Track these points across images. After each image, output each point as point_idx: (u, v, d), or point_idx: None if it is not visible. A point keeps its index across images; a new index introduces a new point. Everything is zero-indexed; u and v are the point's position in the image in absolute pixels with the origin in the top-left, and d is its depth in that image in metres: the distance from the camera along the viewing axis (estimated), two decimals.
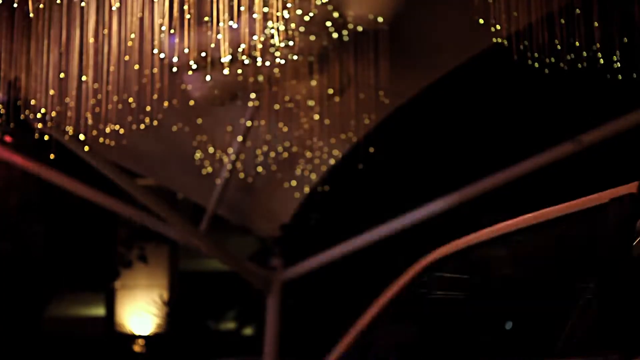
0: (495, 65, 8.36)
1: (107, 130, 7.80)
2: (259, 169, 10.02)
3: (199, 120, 9.36)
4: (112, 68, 7.06)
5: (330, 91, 8.66)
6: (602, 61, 7.06)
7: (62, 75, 7.19)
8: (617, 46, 6.94)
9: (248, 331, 13.56)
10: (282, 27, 6.96)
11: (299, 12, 7.21)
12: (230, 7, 6.60)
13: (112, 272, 13.18)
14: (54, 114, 7.50)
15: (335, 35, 7.93)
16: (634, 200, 1.80)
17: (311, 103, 8.83)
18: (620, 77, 7.26)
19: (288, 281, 10.06)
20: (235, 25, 6.79)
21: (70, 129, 7.85)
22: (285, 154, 9.72)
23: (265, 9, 6.74)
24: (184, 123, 9.37)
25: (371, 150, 9.68)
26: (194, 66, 7.08)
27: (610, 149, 8.88)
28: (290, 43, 7.25)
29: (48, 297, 12.05)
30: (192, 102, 8.87)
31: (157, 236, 10.97)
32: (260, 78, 8.26)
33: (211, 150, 9.65)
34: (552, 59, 7.14)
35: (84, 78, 7.15)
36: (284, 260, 10.10)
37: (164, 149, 9.72)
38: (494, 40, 7.16)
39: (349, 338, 2.06)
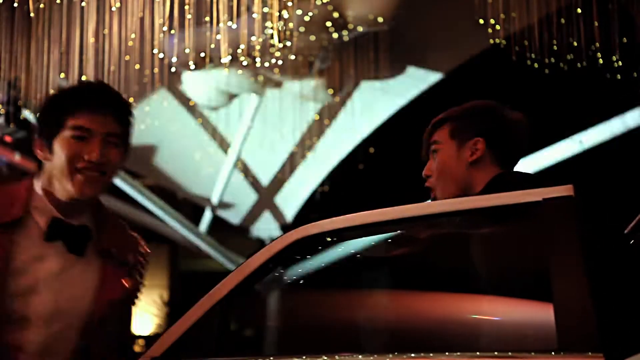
0: (495, 65, 8.36)
1: None
2: (259, 169, 10.03)
3: (199, 120, 9.37)
4: (112, 68, 7.08)
5: (331, 91, 8.67)
6: (601, 61, 7.07)
7: (62, 75, 7.21)
8: (617, 46, 6.95)
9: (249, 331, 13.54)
10: (281, 27, 6.97)
11: (298, 12, 7.22)
12: (230, 8, 6.61)
13: None
14: None
15: (335, 35, 7.94)
16: (571, 203, 1.79)
17: (311, 103, 8.85)
18: (619, 77, 7.28)
19: None
20: (234, 26, 6.80)
21: None
22: (285, 154, 9.73)
23: (265, 9, 6.75)
24: (183, 123, 9.38)
25: (371, 150, 9.69)
26: (193, 66, 7.10)
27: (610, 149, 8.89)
28: (289, 43, 7.25)
29: None
30: (192, 102, 8.88)
31: (157, 236, 10.98)
32: (260, 78, 8.26)
33: (211, 150, 9.66)
34: (552, 59, 7.15)
35: (84, 78, 7.16)
36: None
37: (164, 149, 9.73)
38: (493, 40, 7.18)
39: (197, 312, 1.97)
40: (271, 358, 1.98)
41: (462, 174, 2.48)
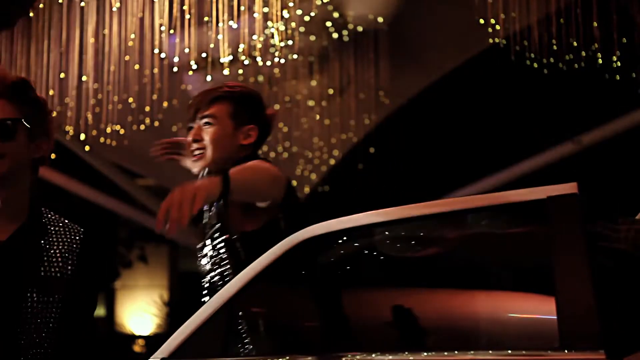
0: (495, 65, 8.36)
1: (108, 130, 7.81)
2: None
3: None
4: (112, 68, 7.07)
5: (330, 91, 8.67)
6: (600, 61, 7.07)
7: (62, 75, 7.20)
8: (617, 46, 6.95)
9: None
10: (282, 27, 6.97)
11: (299, 12, 7.22)
12: (231, 7, 6.62)
13: (112, 272, 13.18)
14: (54, 114, 7.51)
15: (335, 35, 7.93)
16: (575, 200, 1.80)
17: (311, 103, 8.84)
18: (618, 77, 7.28)
19: None
20: (235, 26, 6.80)
21: (70, 129, 7.85)
22: (285, 154, 9.72)
23: (265, 9, 6.75)
24: (184, 123, 9.37)
25: (371, 150, 9.69)
26: (194, 66, 7.09)
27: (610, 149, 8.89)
28: (290, 43, 7.25)
29: None
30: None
31: (157, 236, 10.97)
32: (260, 78, 8.26)
33: None
34: (551, 59, 7.15)
35: (84, 78, 7.16)
36: None
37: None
38: (492, 40, 7.18)
39: (205, 313, 1.97)
40: (277, 358, 1.98)
41: (234, 152, 2.97)
